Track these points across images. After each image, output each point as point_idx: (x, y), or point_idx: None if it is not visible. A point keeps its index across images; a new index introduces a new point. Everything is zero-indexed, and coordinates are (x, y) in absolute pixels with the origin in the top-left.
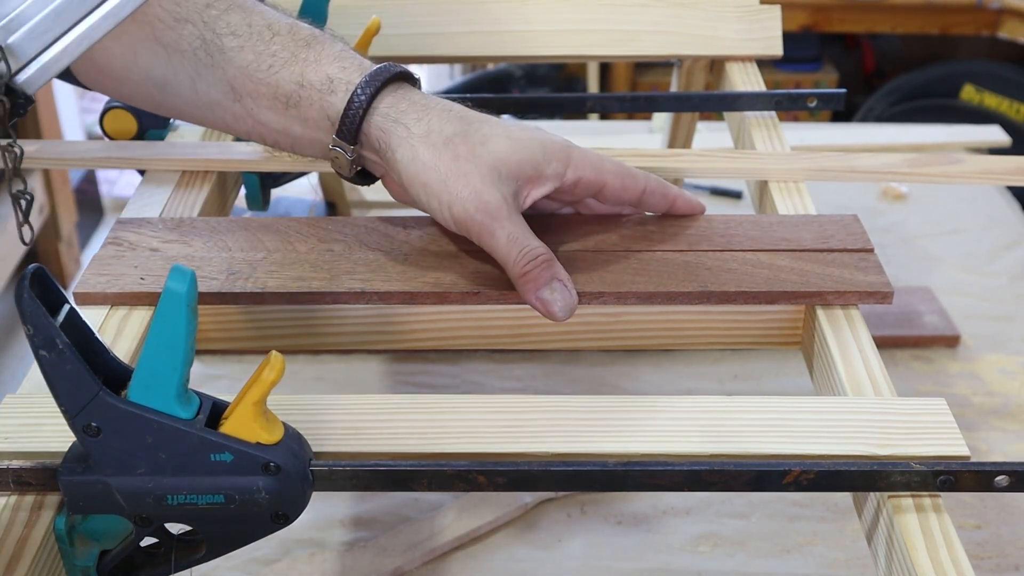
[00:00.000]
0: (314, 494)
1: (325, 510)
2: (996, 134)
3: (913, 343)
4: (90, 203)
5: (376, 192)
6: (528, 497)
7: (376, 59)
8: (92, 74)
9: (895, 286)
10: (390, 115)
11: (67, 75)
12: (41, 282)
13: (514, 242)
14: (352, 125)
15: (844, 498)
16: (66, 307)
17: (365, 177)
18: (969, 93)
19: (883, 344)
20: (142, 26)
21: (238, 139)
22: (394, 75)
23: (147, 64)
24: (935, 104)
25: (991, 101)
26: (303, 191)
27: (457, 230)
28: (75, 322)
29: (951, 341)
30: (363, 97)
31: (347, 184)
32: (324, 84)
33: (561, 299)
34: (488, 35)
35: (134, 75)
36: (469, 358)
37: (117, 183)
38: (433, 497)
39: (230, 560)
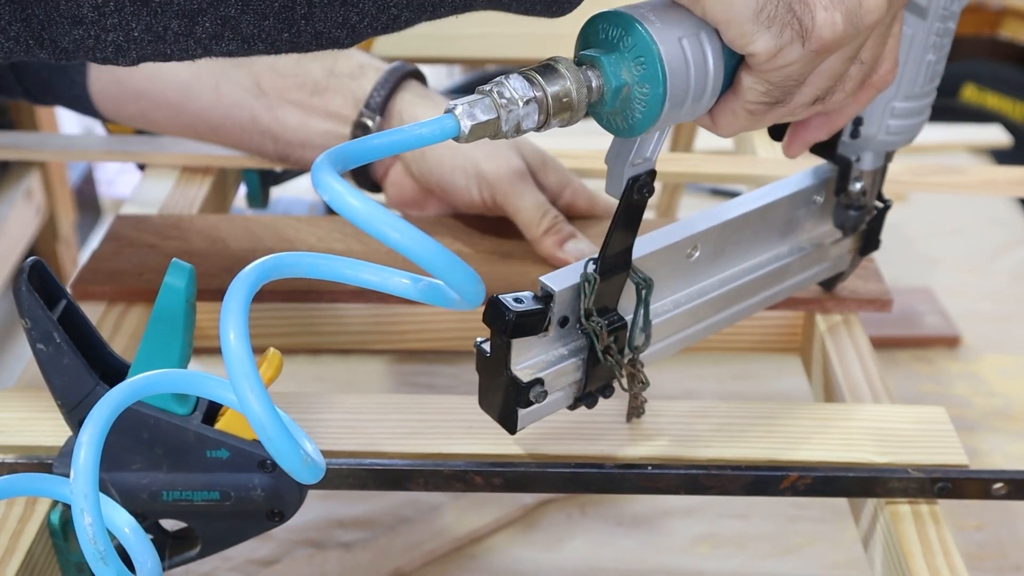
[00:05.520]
0: (314, 495)
1: (325, 510)
2: (997, 134)
3: (914, 344)
4: (88, 203)
5: (373, 194)
6: (528, 498)
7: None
8: (112, 92)
9: (896, 287)
10: (418, 92)
11: (84, 105)
12: (40, 275)
13: (540, 204)
14: (382, 96)
15: (844, 499)
16: (64, 301)
17: (362, 179)
18: (970, 93)
19: (884, 345)
20: None
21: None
22: (412, 71)
23: (171, 71)
24: (935, 104)
25: (992, 101)
26: (303, 190)
27: (478, 192)
28: (73, 316)
29: (952, 342)
30: (394, 76)
31: None
32: (355, 70)
33: (586, 246)
34: (489, 37)
35: (158, 83)
36: (469, 359)
37: (115, 183)
38: (433, 498)
39: (229, 561)
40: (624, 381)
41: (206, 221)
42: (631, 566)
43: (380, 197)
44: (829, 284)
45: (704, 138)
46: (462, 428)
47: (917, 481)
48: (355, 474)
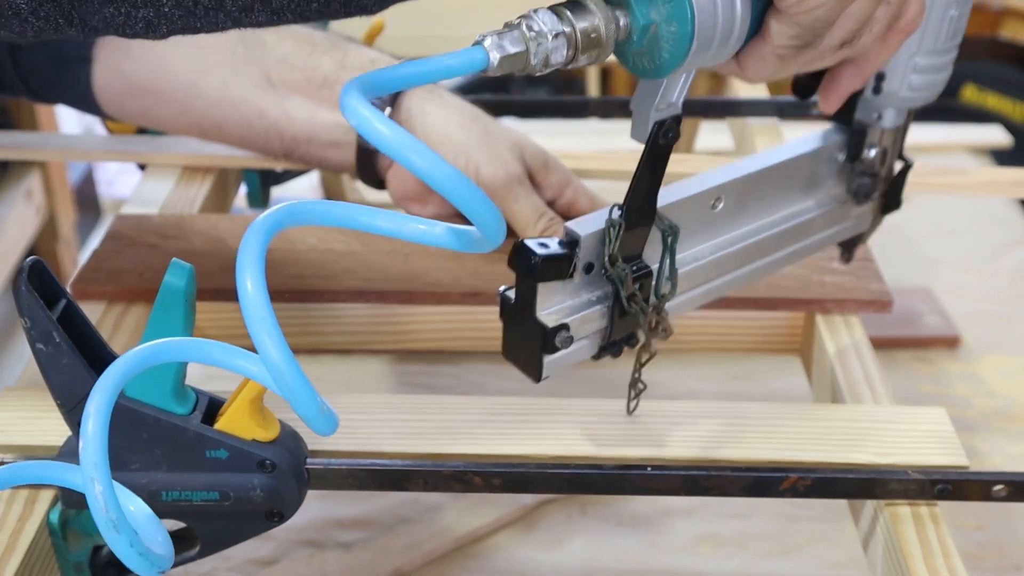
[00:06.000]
0: (313, 495)
1: (324, 511)
2: (997, 134)
3: (914, 344)
4: (88, 203)
5: (377, 194)
6: (528, 498)
7: None
8: (117, 88)
9: (896, 287)
10: (428, 88)
11: (88, 103)
12: (39, 275)
13: (536, 207)
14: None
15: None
16: (63, 300)
17: (367, 173)
18: (970, 93)
19: (883, 345)
20: None
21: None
22: None
23: (179, 67)
24: (935, 104)
25: (992, 101)
26: (304, 190)
27: None
28: (73, 316)
29: (952, 342)
30: None
31: (348, 184)
32: (366, 64)
33: None
34: None
35: (164, 81)
36: (470, 359)
37: (115, 183)
38: (433, 498)
39: (228, 561)
40: (646, 330)
41: (206, 221)
42: (631, 566)
43: (384, 195)
44: (849, 246)
45: (704, 139)
46: (462, 428)
47: (917, 483)
48: (354, 474)
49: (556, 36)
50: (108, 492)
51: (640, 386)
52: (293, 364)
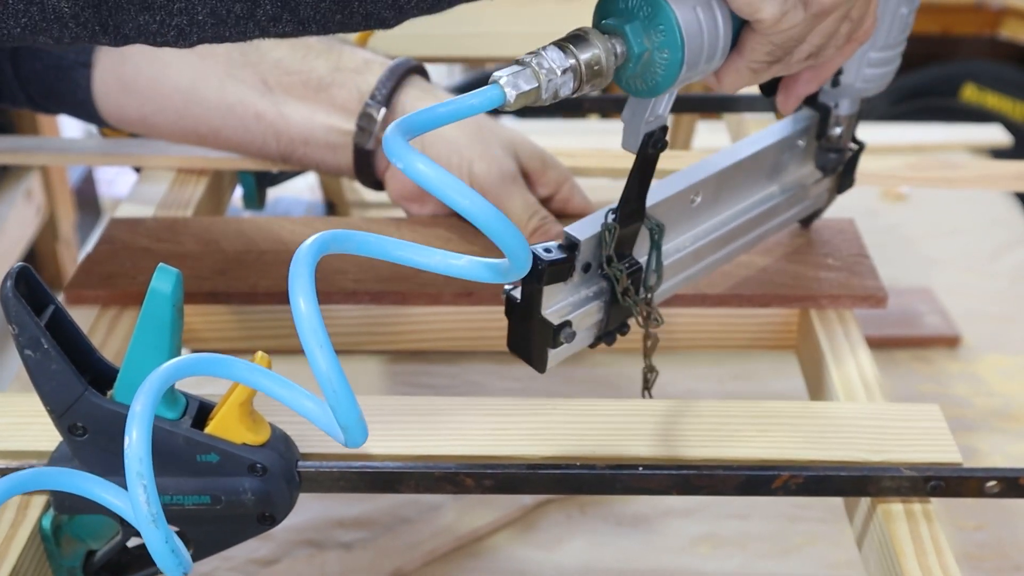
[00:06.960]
0: (312, 495)
1: (324, 511)
2: (997, 134)
3: (914, 344)
4: (89, 203)
5: (375, 193)
6: (528, 498)
7: None
8: (116, 95)
9: (895, 287)
10: (422, 87)
11: (87, 111)
12: (27, 281)
13: (529, 205)
14: (387, 89)
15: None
16: (52, 306)
17: (365, 174)
18: (969, 93)
19: (883, 345)
20: None
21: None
22: (416, 66)
23: (177, 73)
24: (935, 104)
25: (992, 101)
26: (301, 190)
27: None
28: (61, 321)
29: (952, 342)
30: (399, 71)
31: (346, 184)
32: (360, 65)
33: None
34: (487, 37)
35: (162, 87)
36: (469, 359)
37: (116, 183)
38: (433, 498)
39: (229, 561)
40: (640, 320)
41: (200, 223)
42: (631, 566)
43: (383, 194)
44: (807, 222)
45: (702, 138)
46: (453, 429)
47: (909, 479)
48: (345, 477)
49: (564, 72)
50: (151, 487)
51: (652, 374)
52: (340, 374)
